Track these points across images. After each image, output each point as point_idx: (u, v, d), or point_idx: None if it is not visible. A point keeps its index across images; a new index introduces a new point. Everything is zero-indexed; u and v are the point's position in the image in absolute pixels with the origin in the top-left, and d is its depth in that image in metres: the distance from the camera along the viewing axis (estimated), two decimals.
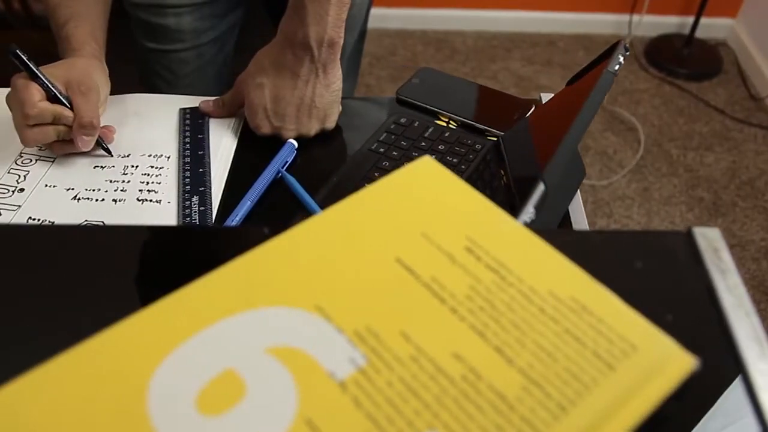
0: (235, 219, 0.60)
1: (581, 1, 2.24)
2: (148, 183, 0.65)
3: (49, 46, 0.75)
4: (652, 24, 2.24)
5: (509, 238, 0.32)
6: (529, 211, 0.44)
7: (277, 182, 0.66)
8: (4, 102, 0.65)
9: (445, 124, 0.73)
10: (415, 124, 0.72)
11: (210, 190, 0.63)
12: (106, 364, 0.26)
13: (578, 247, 0.35)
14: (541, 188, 0.45)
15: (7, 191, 0.64)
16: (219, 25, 0.90)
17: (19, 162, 0.67)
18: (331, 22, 0.63)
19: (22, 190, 0.64)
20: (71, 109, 0.64)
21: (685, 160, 1.85)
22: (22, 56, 0.62)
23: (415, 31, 2.28)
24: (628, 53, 0.54)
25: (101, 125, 0.66)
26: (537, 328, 0.28)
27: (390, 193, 0.34)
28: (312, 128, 0.69)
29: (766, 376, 0.30)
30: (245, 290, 0.29)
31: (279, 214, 0.63)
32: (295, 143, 0.69)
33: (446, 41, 2.25)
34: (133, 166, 0.66)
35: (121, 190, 0.64)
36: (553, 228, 0.54)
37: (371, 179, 0.65)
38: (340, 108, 0.72)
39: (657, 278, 0.36)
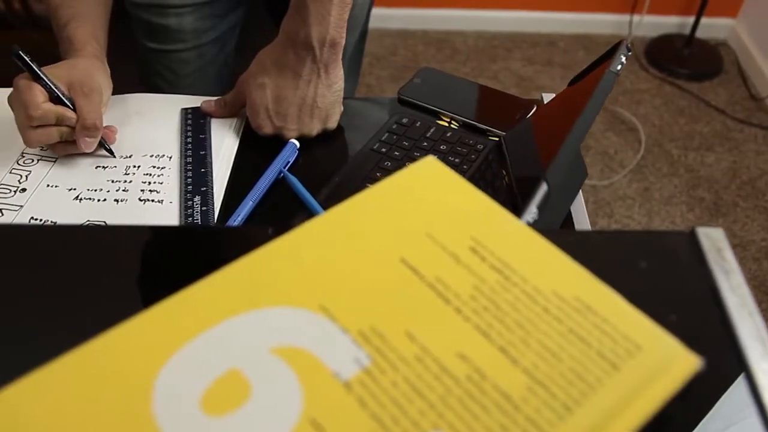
0: (237, 219, 0.60)
1: (582, 1, 2.24)
2: (150, 183, 0.65)
3: (50, 47, 0.75)
4: (652, 24, 2.24)
5: (513, 238, 0.32)
6: (532, 211, 0.44)
7: (279, 182, 0.66)
8: (6, 102, 0.65)
9: (446, 124, 0.73)
10: (417, 124, 0.72)
11: (212, 190, 0.63)
12: (111, 365, 0.26)
13: (581, 247, 0.35)
14: (544, 188, 0.45)
15: (9, 191, 0.64)
16: (220, 25, 0.90)
17: (21, 162, 0.67)
18: (333, 22, 0.63)
19: (24, 190, 0.64)
20: (74, 110, 0.64)
21: (685, 160, 1.85)
22: (25, 57, 0.62)
23: (415, 31, 2.28)
24: (630, 53, 0.54)
25: (103, 126, 0.66)
26: (541, 328, 0.28)
27: (394, 193, 0.34)
28: (314, 128, 0.69)
29: None
30: (250, 290, 0.29)
31: (281, 214, 0.63)
32: (297, 143, 0.69)
33: (447, 41, 2.25)
34: (135, 166, 0.66)
35: (123, 190, 0.64)
36: (556, 228, 0.54)
37: (373, 179, 0.65)
38: (342, 108, 0.72)
39: (660, 278, 0.36)
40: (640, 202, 1.73)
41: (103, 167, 0.66)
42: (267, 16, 1.03)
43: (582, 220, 0.61)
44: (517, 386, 0.26)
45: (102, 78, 0.69)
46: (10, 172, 0.66)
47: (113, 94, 0.72)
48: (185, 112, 0.73)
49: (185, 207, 0.62)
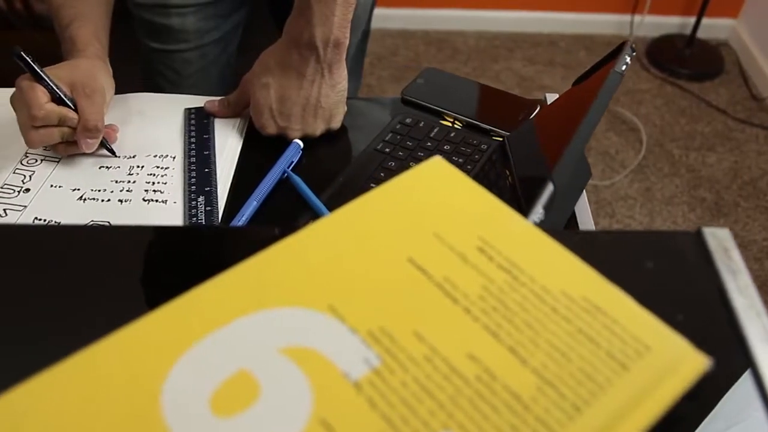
0: (242, 219, 0.60)
1: (583, 2, 2.24)
2: (153, 183, 0.65)
3: (52, 47, 0.74)
4: (653, 24, 2.24)
5: (521, 238, 0.32)
6: (538, 212, 0.44)
7: (283, 182, 0.66)
8: (8, 103, 0.65)
9: (450, 124, 0.73)
10: (421, 125, 0.72)
11: (216, 190, 0.63)
12: (120, 366, 0.26)
13: (588, 247, 0.35)
14: (550, 188, 0.45)
15: (12, 191, 0.64)
16: (223, 25, 0.90)
17: (24, 162, 0.67)
18: (337, 23, 0.63)
19: (27, 190, 0.64)
20: (75, 110, 0.64)
21: (687, 160, 1.85)
22: (27, 58, 0.61)
23: (417, 31, 2.28)
24: (634, 53, 0.54)
25: (105, 125, 0.66)
26: (550, 328, 0.28)
27: (401, 193, 0.34)
28: (317, 128, 0.69)
29: None
30: (258, 291, 0.29)
31: (285, 214, 0.63)
32: (301, 143, 0.69)
33: (448, 41, 2.25)
34: (138, 167, 0.66)
35: (127, 191, 0.64)
36: (560, 228, 0.54)
37: (377, 179, 0.65)
38: (346, 108, 0.72)
39: (667, 278, 0.36)
40: (642, 202, 1.73)
41: (107, 167, 0.66)
42: (269, 17, 1.03)
43: (586, 220, 0.61)
44: (527, 386, 0.26)
45: (104, 78, 0.69)
46: (14, 173, 0.66)
47: (115, 94, 0.72)
48: (188, 112, 0.73)
49: (189, 207, 0.62)
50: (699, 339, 0.28)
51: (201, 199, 0.62)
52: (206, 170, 0.65)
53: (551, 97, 0.76)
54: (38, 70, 0.62)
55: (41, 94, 0.62)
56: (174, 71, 0.90)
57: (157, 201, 0.63)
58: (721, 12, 2.20)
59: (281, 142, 0.69)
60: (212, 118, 0.72)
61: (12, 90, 0.65)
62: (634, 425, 0.25)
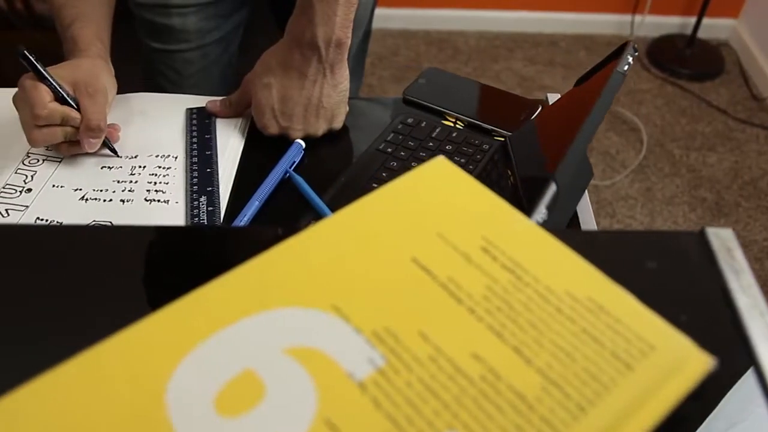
0: (244, 219, 0.60)
1: (583, 2, 2.24)
2: (155, 183, 0.65)
3: (53, 47, 0.75)
4: (654, 24, 2.24)
5: (525, 238, 0.32)
6: (541, 212, 0.44)
7: (285, 182, 0.66)
8: (10, 103, 0.65)
9: (452, 125, 0.73)
10: (423, 125, 0.72)
11: (218, 190, 0.63)
12: (125, 365, 0.26)
13: (591, 247, 0.35)
14: (553, 188, 0.45)
15: (14, 191, 0.64)
16: (224, 25, 0.90)
17: (26, 162, 0.67)
18: (339, 23, 0.63)
19: (29, 190, 0.64)
20: (78, 110, 0.64)
21: (687, 160, 1.85)
22: (30, 57, 0.62)
23: (417, 32, 2.28)
24: (636, 53, 0.54)
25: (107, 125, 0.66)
26: (554, 329, 0.28)
27: (404, 193, 0.34)
28: (319, 128, 0.69)
29: None
30: (262, 291, 0.29)
31: (287, 214, 0.63)
32: (303, 143, 0.69)
33: (449, 41, 2.25)
34: (140, 167, 0.66)
35: (129, 191, 0.64)
36: (562, 228, 0.54)
37: (379, 179, 0.65)
38: (348, 108, 0.72)
39: (671, 278, 0.36)
40: (642, 202, 1.73)
41: (109, 167, 0.66)
42: (271, 16, 1.03)
43: (588, 220, 0.61)
44: (532, 386, 0.26)
45: (106, 78, 0.69)
46: (16, 173, 0.66)
47: (117, 94, 0.72)
48: (190, 112, 0.73)
49: (191, 207, 0.62)
50: (703, 339, 0.28)
51: (203, 199, 0.62)
52: (208, 170, 0.65)
53: (553, 97, 0.76)
54: (41, 70, 0.62)
55: (45, 94, 0.62)
56: (175, 71, 0.90)
57: (159, 201, 0.63)
58: (722, 12, 2.20)
59: (283, 142, 0.69)
60: (214, 118, 0.72)
61: (13, 90, 0.65)
62: (638, 425, 0.25)
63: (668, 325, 0.28)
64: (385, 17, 2.18)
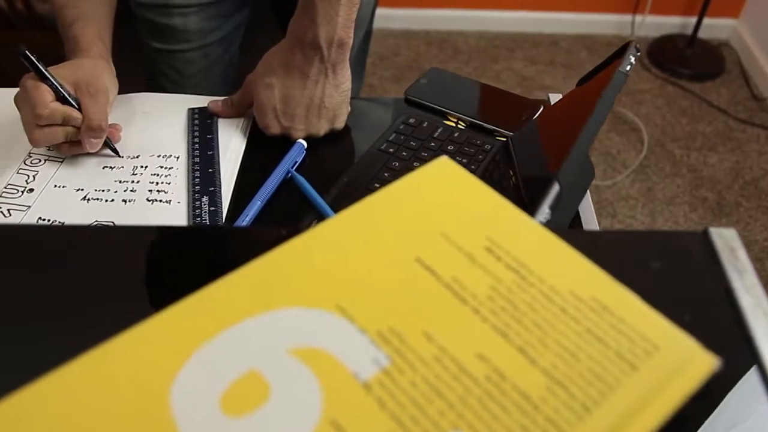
0: (246, 219, 0.60)
1: (584, 2, 2.25)
2: (157, 183, 0.65)
3: (53, 47, 0.74)
4: (654, 24, 2.24)
5: (529, 238, 0.32)
6: (545, 212, 0.44)
7: (287, 182, 0.66)
8: (11, 103, 0.65)
9: (454, 125, 0.73)
10: (424, 125, 0.72)
11: (220, 190, 0.63)
12: (129, 366, 0.26)
13: (594, 247, 0.35)
14: (556, 188, 0.45)
15: (16, 191, 0.64)
16: (225, 25, 0.90)
17: (28, 162, 0.67)
18: (341, 23, 0.63)
19: (31, 190, 0.64)
20: (79, 110, 0.64)
21: (688, 160, 1.85)
22: (32, 57, 0.62)
23: (418, 32, 2.28)
24: (639, 53, 0.54)
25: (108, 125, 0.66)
26: (559, 329, 0.28)
27: (408, 193, 0.34)
28: (321, 128, 0.69)
29: None
30: (267, 291, 0.29)
31: (289, 214, 0.63)
32: (305, 143, 0.69)
33: (449, 41, 2.25)
34: (142, 167, 0.66)
35: (131, 191, 0.64)
36: (565, 228, 0.54)
37: (381, 179, 0.65)
38: (350, 108, 0.72)
39: (674, 278, 0.36)
40: (643, 202, 1.73)
41: (111, 167, 0.66)
42: (272, 16, 1.04)
43: (590, 220, 0.61)
44: (536, 386, 0.26)
45: (108, 78, 0.69)
46: (18, 173, 0.66)
47: (118, 94, 0.72)
48: (192, 112, 0.73)
49: (193, 207, 0.62)
50: (706, 338, 0.28)
51: (205, 199, 0.62)
52: (210, 170, 0.65)
53: (554, 98, 0.76)
54: (43, 70, 0.62)
55: (46, 93, 0.62)
56: (176, 71, 0.90)
57: (161, 201, 0.63)
58: (722, 12, 2.21)
59: (285, 142, 0.69)
60: (216, 118, 0.72)
61: (14, 90, 0.65)
62: (643, 425, 0.25)
63: (672, 325, 0.28)
64: (385, 17, 2.18)
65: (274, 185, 0.64)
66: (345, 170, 0.67)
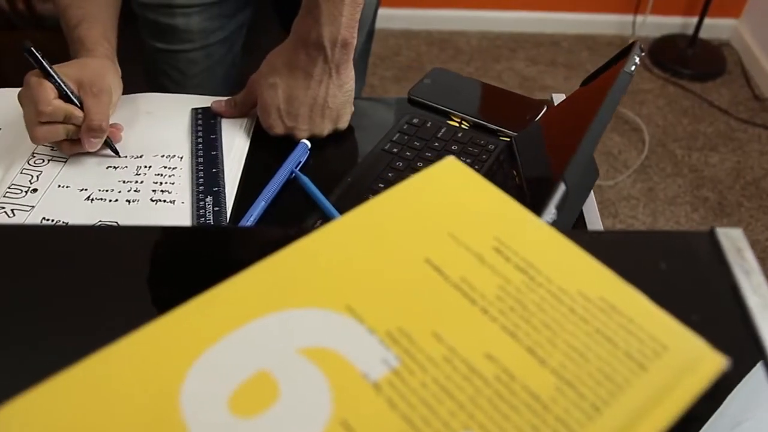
0: (250, 219, 0.60)
1: (585, 2, 2.25)
2: (161, 183, 0.65)
3: (54, 47, 0.74)
4: (655, 24, 2.24)
5: (537, 238, 0.32)
6: (551, 212, 0.44)
7: (291, 182, 0.66)
8: (15, 103, 0.65)
9: (457, 125, 0.73)
10: (428, 125, 0.72)
11: (224, 190, 0.63)
12: (138, 367, 0.26)
13: (600, 247, 0.35)
14: (562, 188, 0.45)
15: (20, 191, 0.64)
16: (228, 25, 0.90)
17: (31, 162, 0.67)
18: (345, 23, 0.63)
19: (35, 190, 0.64)
20: (82, 109, 0.64)
21: (689, 160, 1.85)
22: (36, 54, 0.62)
23: (419, 32, 2.28)
24: (643, 54, 0.54)
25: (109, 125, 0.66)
26: (568, 329, 0.28)
27: (415, 193, 0.34)
28: (325, 128, 0.69)
29: None
30: (275, 291, 0.29)
31: (293, 214, 0.63)
32: (308, 143, 0.69)
33: (450, 41, 2.25)
34: (146, 167, 0.66)
35: (135, 191, 0.64)
36: (569, 228, 0.54)
37: (385, 179, 0.65)
38: (353, 108, 0.72)
39: (681, 278, 0.36)
40: (645, 202, 1.73)
41: (114, 167, 0.66)
42: (274, 16, 1.03)
43: (594, 220, 0.62)
44: (546, 386, 0.26)
45: (112, 78, 0.69)
46: (21, 173, 0.66)
47: (122, 94, 0.72)
48: (195, 112, 0.73)
49: (197, 207, 0.62)
50: (714, 338, 0.28)
51: (209, 199, 0.62)
52: (214, 170, 0.65)
53: (557, 98, 0.76)
54: (47, 67, 0.62)
55: (49, 90, 0.62)
56: (179, 71, 0.90)
57: (165, 201, 0.63)
58: (724, 12, 2.21)
59: (288, 142, 0.69)
60: (219, 118, 0.72)
61: (16, 90, 0.65)
62: (653, 425, 0.25)
63: (681, 325, 0.28)
64: (386, 17, 2.18)
65: (278, 185, 0.64)
66: (349, 170, 0.67)
